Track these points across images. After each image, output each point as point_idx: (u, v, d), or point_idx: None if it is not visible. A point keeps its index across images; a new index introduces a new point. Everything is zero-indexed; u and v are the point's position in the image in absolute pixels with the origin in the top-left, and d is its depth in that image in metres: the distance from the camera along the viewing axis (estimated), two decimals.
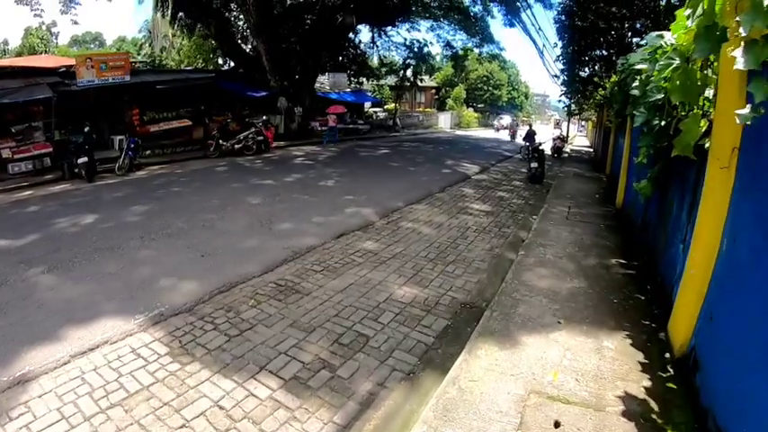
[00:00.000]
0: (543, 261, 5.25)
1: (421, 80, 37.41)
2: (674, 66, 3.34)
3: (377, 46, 30.58)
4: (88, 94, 13.39)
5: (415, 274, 5.18)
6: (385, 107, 39.40)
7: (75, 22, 16.60)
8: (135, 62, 31.13)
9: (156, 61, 35.63)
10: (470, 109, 52.44)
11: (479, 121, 52.28)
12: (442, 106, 50.54)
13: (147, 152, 14.18)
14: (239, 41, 23.69)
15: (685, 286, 3.16)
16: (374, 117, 32.82)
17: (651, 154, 4.46)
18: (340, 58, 27.15)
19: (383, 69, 33.93)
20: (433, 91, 52.36)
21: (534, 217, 8.04)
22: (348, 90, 27.94)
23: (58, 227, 6.76)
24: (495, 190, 10.98)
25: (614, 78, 9.64)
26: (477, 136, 33.81)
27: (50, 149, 11.22)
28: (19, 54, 35.95)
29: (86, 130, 10.84)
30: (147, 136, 14.93)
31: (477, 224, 7.56)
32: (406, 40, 30.12)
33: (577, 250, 5.70)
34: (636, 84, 4.83)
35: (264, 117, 18.07)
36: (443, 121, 44.01)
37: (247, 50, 23.27)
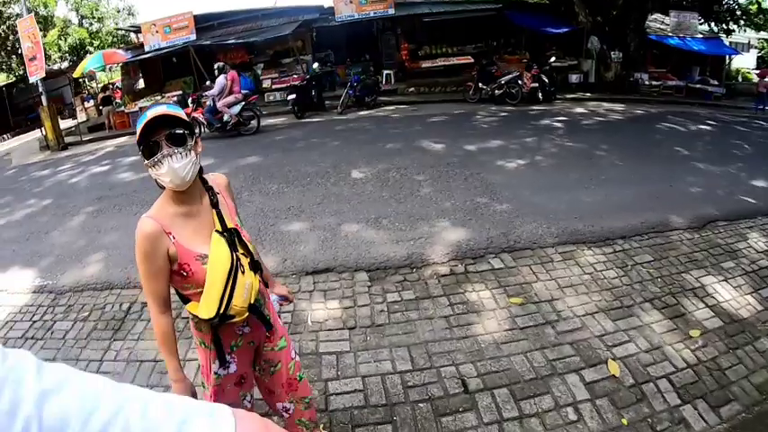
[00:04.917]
0: None
1: None
2: None
3: None
4: (367, 28, 13.76)
5: None
6: None
7: None
8: None
9: None
10: None
11: None
12: None
13: (411, 89, 13.77)
14: None
15: None
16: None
17: None
18: None
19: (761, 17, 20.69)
20: None
21: None
22: (699, 36, 18.23)
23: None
24: None
25: None
26: None
27: (304, 81, 12.01)
28: None
29: (315, 67, 11.01)
30: (417, 71, 14.82)
31: None
32: None
33: None
34: None
35: (553, 60, 14.17)
36: None
37: None
